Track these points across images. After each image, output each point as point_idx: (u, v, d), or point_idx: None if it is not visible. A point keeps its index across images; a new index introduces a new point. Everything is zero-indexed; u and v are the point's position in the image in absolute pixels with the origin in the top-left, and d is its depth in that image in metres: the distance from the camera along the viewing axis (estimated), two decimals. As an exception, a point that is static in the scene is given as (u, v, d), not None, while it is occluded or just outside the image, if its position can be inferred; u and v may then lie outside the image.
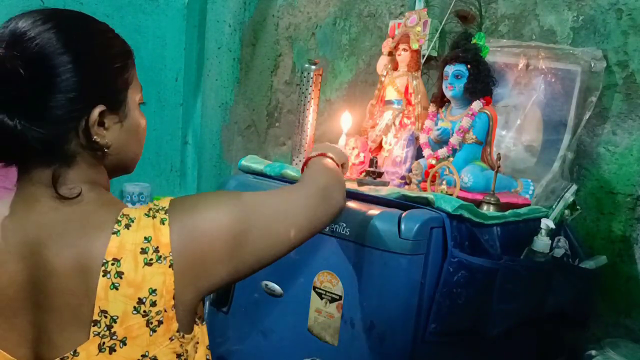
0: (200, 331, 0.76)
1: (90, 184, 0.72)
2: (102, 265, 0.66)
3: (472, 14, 1.33)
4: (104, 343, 0.66)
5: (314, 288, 1.06)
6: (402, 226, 0.95)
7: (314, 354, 1.06)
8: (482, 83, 1.24)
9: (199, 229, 0.70)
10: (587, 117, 1.33)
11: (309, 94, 1.39)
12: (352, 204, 1.06)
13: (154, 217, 0.69)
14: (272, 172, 1.28)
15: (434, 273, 0.97)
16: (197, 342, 0.75)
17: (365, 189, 1.17)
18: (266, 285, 1.14)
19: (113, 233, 0.67)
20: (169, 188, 2.39)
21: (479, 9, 1.34)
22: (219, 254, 0.71)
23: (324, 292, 1.04)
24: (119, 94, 0.74)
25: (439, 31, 1.59)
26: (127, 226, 0.68)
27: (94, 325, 0.66)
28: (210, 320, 1.31)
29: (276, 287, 1.13)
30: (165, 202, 0.71)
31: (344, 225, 1.01)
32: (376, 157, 1.34)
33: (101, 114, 0.70)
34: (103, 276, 0.65)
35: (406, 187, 1.26)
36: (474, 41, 1.27)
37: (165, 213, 0.69)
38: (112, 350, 0.66)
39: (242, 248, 0.73)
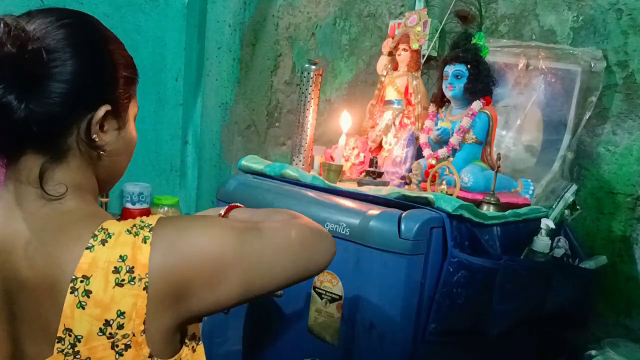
0: (191, 353, 0.72)
1: (76, 188, 0.69)
2: (71, 282, 0.62)
3: (472, 14, 1.33)
4: None
5: (314, 288, 1.06)
6: (402, 226, 0.95)
7: (314, 354, 1.06)
8: (482, 83, 1.24)
9: (188, 251, 0.66)
10: (587, 117, 1.33)
11: (309, 94, 1.39)
12: (352, 204, 1.06)
13: (136, 234, 0.65)
14: (272, 172, 1.28)
15: (434, 273, 0.97)
16: None
17: (365, 189, 1.17)
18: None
19: (87, 248, 0.63)
20: (169, 188, 2.39)
21: (479, 9, 1.34)
22: (205, 281, 0.67)
23: (324, 292, 1.04)
24: (123, 101, 0.74)
25: (439, 31, 1.59)
26: (103, 242, 0.64)
27: (58, 342, 0.63)
28: (210, 320, 1.31)
29: (276, 287, 1.13)
30: (153, 220, 0.67)
31: (344, 225, 1.01)
32: (376, 157, 1.34)
33: (105, 114, 0.69)
34: (71, 293, 0.62)
35: (406, 187, 1.26)
36: (474, 41, 1.27)
37: (150, 231, 0.65)
38: None
39: (228, 279, 0.68)
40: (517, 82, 1.41)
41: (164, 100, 2.29)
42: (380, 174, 1.32)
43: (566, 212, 1.25)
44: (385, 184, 1.29)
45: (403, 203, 1.05)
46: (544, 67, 1.37)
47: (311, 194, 1.14)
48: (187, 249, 0.66)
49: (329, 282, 1.04)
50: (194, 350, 0.73)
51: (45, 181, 0.66)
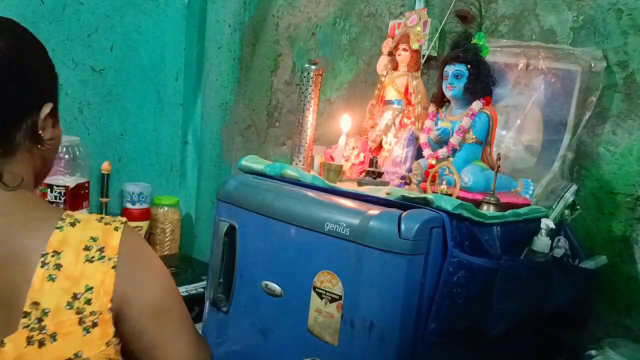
0: None
1: (25, 179, 0.74)
2: (42, 257, 0.66)
3: (472, 14, 1.33)
4: (32, 336, 0.65)
5: (314, 288, 1.06)
6: (402, 226, 0.95)
7: (314, 354, 1.06)
8: (482, 83, 1.24)
9: (146, 271, 0.74)
10: (587, 117, 1.32)
11: (309, 94, 1.39)
12: (352, 204, 1.06)
13: (106, 223, 0.71)
14: (272, 172, 1.28)
15: (434, 273, 0.97)
16: None
17: (365, 189, 1.17)
18: (266, 285, 1.14)
19: (57, 228, 0.68)
20: (169, 188, 2.39)
21: (479, 9, 1.34)
22: (142, 310, 0.72)
23: (324, 292, 1.04)
24: (56, 100, 0.80)
25: (439, 31, 1.59)
26: (72, 224, 0.69)
27: (23, 317, 0.65)
28: (210, 320, 1.31)
29: (276, 287, 1.13)
30: (122, 219, 0.74)
31: (344, 225, 1.01)
32: (376, 157, 1.34)
33: (50, 112, 0.76)
34: (41, 267, 0.66)
35: (406, 187, 1.26)
36: (474, 41, 1.27)
37: (121, 224, 0.72)
38: (41, 344, 0.65)
39: (162, 324, 0.75)
40: (517, 82, 1.41)
41: (164, 100, 2.28)
42: (380, 174, 1.32)
43: (566, 212, 1.25)
44: (385, 184, 1.29)
45: (403, 203, 1.05)
46: (544, 67, 1.37)
47: (311, 194, 1.14)
48: (153, 261, 0.74)
49: (329, 282, 1.04)
50: None
51: (2, 173, 0.71)
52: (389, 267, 0.96)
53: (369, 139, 1.43)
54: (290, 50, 2.24)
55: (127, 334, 0.73)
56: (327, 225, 1.02)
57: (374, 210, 1.00)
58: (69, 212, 0.72)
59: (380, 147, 1.43)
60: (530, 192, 1.27)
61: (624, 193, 1.32)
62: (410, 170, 1.29)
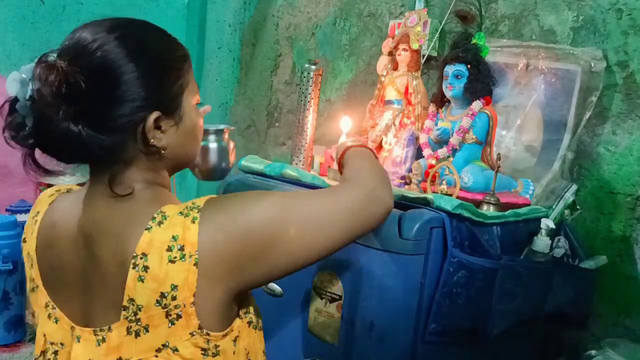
0: (245, 326, 0.77)
1: (145, 182, 0.78)
2: (133, 259, 0.71)
3: (472, 14, 1.33)
4: (131, 327, 0.72)
5: (314, 288, 1.06)
6: (402, 226, 0.95)
7: (314, 354, 1.06)
8: (482, 83, 1.24)
9: (232, 228, 0.72)
10: (587, 117, 1.32)
11: (309, 94, 1.39)
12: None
13: (186, 215, 0.72)
14: (272, 172, 1.28)
15: (434, 273, 0.97)
16: (237, 337, 0.76)
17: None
18: (266, 285, 1.14)
19: (146, 229, 0.71)
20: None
21: (479, 9, 1.35)
22: (250, 255, 0.72)
23: (324, 292, 1.04)
24: (175, 99, 0.78)
25: (439, 31, 1.59)
26: (160, 223, 0.72)
27: (124, 310, 0.72)
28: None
29: (276, 287, 1.13)
30: (201, 201, 0.74)
31: (344, 225, 1.01)
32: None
33: (157, 119, 0.74)
34: (132, 268, 0.71)
35: (406, 187, 1.26)
36: (474, 41, 1.27)
37: (198, 212, 0.72)
38: (137, 334, 0.72)
39: (275, 251, 0.73)
40: (517, 82, 1.41)
41: (164, 100, 2.28)
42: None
43: (566, 212, 1.25)
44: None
45: (403, 203, 1.05)
46: (544, 67, 1.37)
47: (311, 194, 1.14)
48: (232, 226, 0.72)
49: (329, 282, 1.04)
50: (251, 326, 0.79)
51: (115, 185, 0.75)
52: (389, 267, 0.96)
53: (369, 139, 1.43)
54: (290, 50, 2.24)
55: (267, 276, 0.76)
56: (327, 225, 1.02)
57: (374, 210, 1.00)
58: (162, 209, 0.73)
59: (380, 147, 1.43)
60: (530, 192, 1.27)
61: (624, 193, 1.32)
62: (410, 170, 1.29)
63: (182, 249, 0.70)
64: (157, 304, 0.71)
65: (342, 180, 0.88)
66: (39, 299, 0.82)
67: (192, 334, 0.72)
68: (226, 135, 1.05)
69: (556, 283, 1.15)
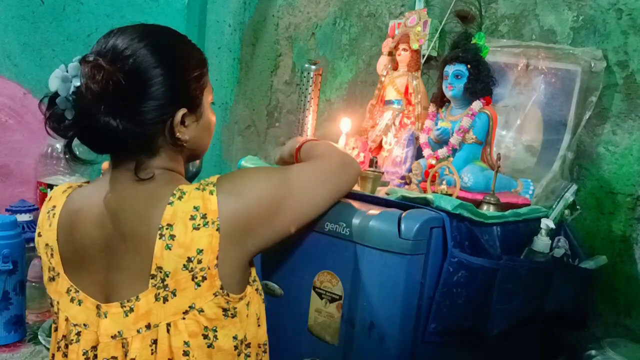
0: (254, 292, 0.90)
1: (165, 169, 0.87)
2: (159, 230, 0.79)
3: (472, 14, 1.33)
4: (159, 293, 0.80)
5: (314, 288, 1.06)
6: (402, 226, 0.95)
7: (314, 354, 1.06)
8: (482, 83, 1.23)
9: (245, 195, 0.83)
10: (587, 117, 1.32)
11: (309, 94, 1.39)
12: (352, 204, 1.06)
13: (203, 189, 0.82)
14: (272, 172, 1.28)
15: (434, 273, 0.97)
16: (249, 302, 0.87)
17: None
18: (266, 285, 1.14)
19: (168, 204, 0.80)
20: (169, 188, 2.39)
21: (479, 9, 1.35)
22: (262, 217, 0.84)
23: (324, 292, 1.04)
24: (197, 97, 0.89)
25: (439, 31, 1.59)
26: (180, 198, 0.81)
27: (152, 278, 0.80)
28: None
29: (276, 287, 1.13)
30: (214, 179, 0.85)
31: (344, 225, 1.01)
32: (376, 157, 1.34)
33: (183, 115, 0.86)
34: (159, 239, 0.79)
35: (406, 187, 1.26)
36: (474, 41, 1.27)
37: (213, 186, 0.82)
38: (165, 299, 0.80)
39: (281, 212, 0.86)
40: (517, 82, 1.41)
41: (164, 100, 2.28)
42: (380, 174, 1.31)
43: (566, 212, 1.25)
44: (386, 184, 1.29)
45: (403, 203, 1.05)
46: (544, 67, 1.37)
47: (311, 194, 1.14)
48: (245, 194, 0.84)
49: (329, 282, 1.04)
50: (258, 292, 0.92)
51: (140, 169, 0.84)
52: (389, 267, 0.96)
53: (369, 139, 1.43)
54: (290, 50, 2.24)
55: (277, 238, 0.90)
56: (327, 225, 1.02)
57: (374, 210, 1.00)
58: (180, 187, 0.82)
59: (380, 147, 1.43)
60: (530, 192, 1.27)
61: (624, 193, 1.32)
62: (410, 170, 1.29)
63: (204, 217, 0.79)
64: (184, 268, 0.79)
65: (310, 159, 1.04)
66: (60, 286, 0.89)
67: (215, 294, 0.80)
68: None
69: (556, 283, 1.15)
